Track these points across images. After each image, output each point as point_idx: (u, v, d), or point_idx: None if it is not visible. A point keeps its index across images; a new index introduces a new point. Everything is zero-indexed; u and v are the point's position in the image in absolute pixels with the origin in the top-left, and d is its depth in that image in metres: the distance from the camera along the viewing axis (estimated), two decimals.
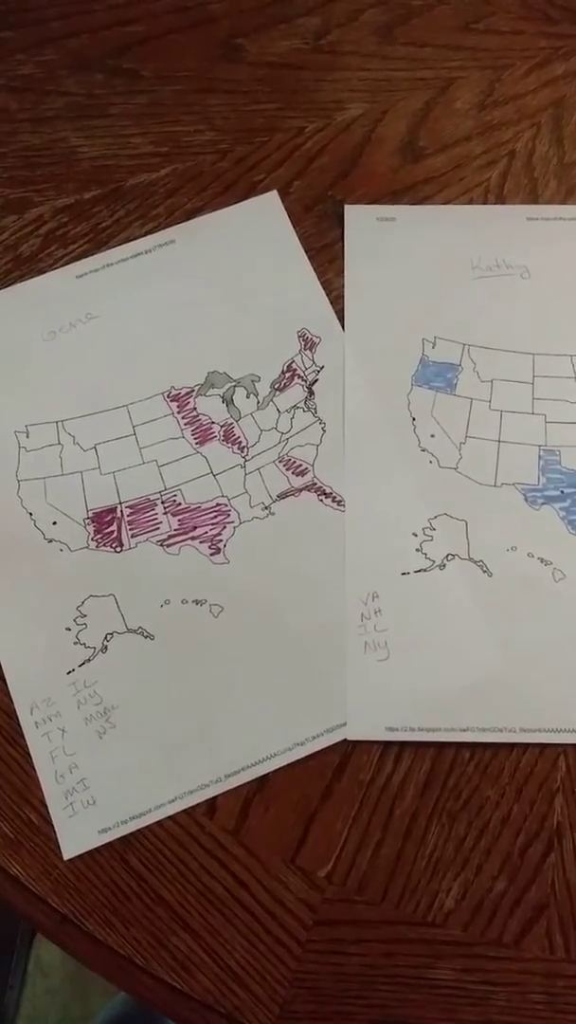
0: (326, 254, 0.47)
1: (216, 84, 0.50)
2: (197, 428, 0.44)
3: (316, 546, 0.42)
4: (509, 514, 0.42)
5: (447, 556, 0.41)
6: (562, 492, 0.42)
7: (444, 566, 0.41)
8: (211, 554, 0.42)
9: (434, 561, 0.41)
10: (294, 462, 0.43)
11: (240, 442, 0.44)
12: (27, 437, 0.44)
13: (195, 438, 0.44)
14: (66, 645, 0.40)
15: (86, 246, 0.47)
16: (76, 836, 0.38)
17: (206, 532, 0.42)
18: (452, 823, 0.38)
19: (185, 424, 0.44)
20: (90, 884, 0.38)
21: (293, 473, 0.43)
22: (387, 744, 0.39)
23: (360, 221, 0.47)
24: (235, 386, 0.44)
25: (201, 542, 0.42)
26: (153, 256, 0.47)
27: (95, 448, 0.43)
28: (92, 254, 0.47)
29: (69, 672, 0.40)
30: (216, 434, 0.44)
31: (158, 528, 0.42)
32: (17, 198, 0.48)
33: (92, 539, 0.42)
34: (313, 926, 0.37)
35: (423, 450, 0.43)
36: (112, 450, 0.43)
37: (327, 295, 0.46)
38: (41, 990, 0.86)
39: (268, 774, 0.39)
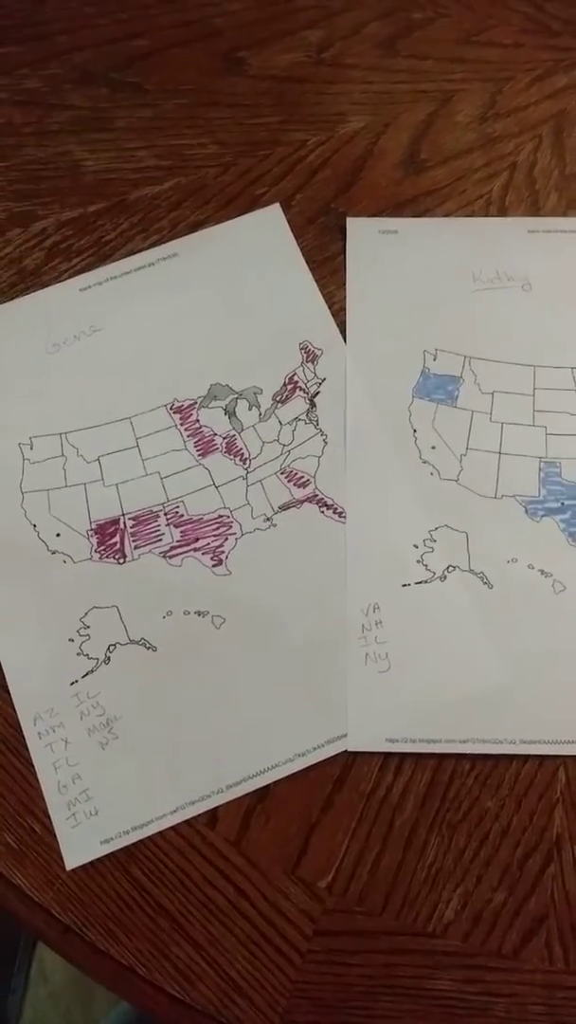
0: (328, 266, 0.47)
1: (219, 97, 0.51)
2: (199, 440, 0.44)
3: (317, 557, 0.42)
4: (510, 526, 0.42)
5: (448, 568, 0.42)
6: (563, 504, 0.42)
7: (445, 578, 0.42)
8: (213, 565, 0.42)
9: (435, 573, 0.42)
10: (296, 474, 0.43)
11: (242, 454, 0.44)
12: (31, 449, 0.44)
13: (197, 450, 0.44)
14: (69, 656, 0.41)
15: (90, 259, 0.48)
16: (78, 846, 0.39)
17: (208, 543, 0.42)
18: (452, 834, 0.39)
19: (188, 436, 0.44)
20: (92, 894, 0.38)
21: (295, 485, 0.43)
22: (387, 755, 0.40)
23: (362, 234, 0.47)
24: (237, 398, 0.45)
25: (203, 553, 0.42)
26: (156, 269, 0.47)
27: (98, 460, 0.44)
28: (96, 267, 0.47)
29: (72, 683, 0.40)
30: (218, 446, 0.44)
31: (160, 540, 0.42)
32: (21, 211, 0.49)
33: (95, 551, 0.42)
34: (313, 936, 0.38)
35: (424, 462, 0.43)
36: (115, 462, 0.44)
37: (329, 307, 0.46)
38: (43, 995, 0.86)
39: (269, 785, 0.39)
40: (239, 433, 0.44)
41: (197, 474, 0.43)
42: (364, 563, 0.42)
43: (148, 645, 0.41)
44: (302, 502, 0.43)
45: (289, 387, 0.45)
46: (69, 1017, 0.84)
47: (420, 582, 0.42)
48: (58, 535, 0.43)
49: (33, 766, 0.40)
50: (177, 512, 0.43)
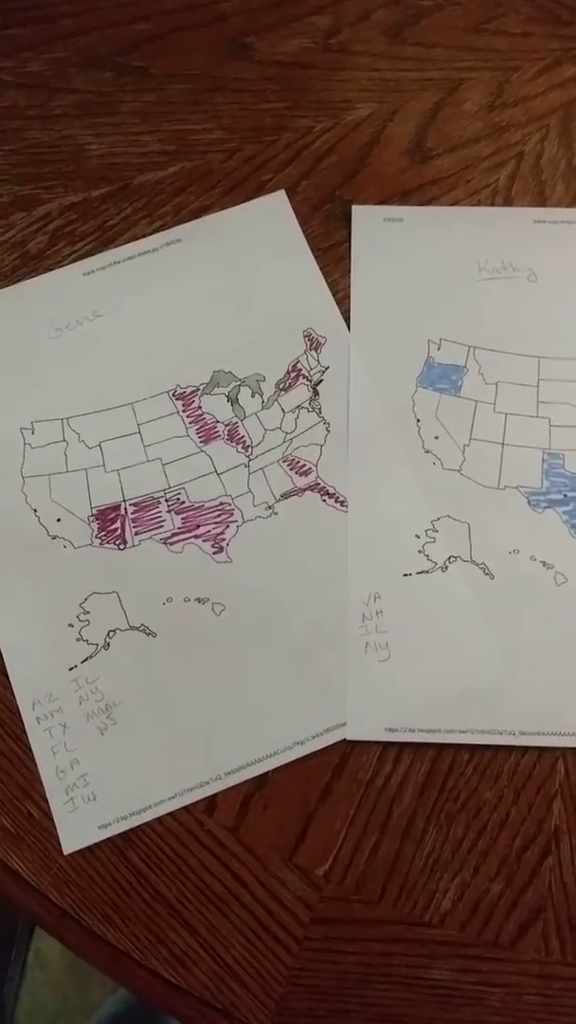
0: (333, 254, 0.47)
1: (225, 83, 0.50)
2: (202, 427, 0.44)
3: (318, 546, 0.42)
4: (512, 517, 0.42)
5: (449, 558, 0.42)
6: (565, 496, 0.42)
7: (446, 568, 0.41)
8: (214, 553, 0.42)
9: (436, 563, 0.42)
10: (298, 462, 0.43)
11: (244, 441, 0.44)
12: (32, 434, 0.44)
13: (199, 437, 0.44)
14: (69, 641, 0.41)
15: (93, 244, 0.47)
16: (76, 831, 0.39)
17: (209, 531, 0.42)
18: (450, 824, 0.39)
19: (190, 423, 0.44)
20: (89, 879, 0.38)
21: (297, 473, 0.43)
22: (386, 744, 0.40)
23: (367, 221, 0.47)
24: (240, 385, 0.44)
25: (204, 541, 0.42)
26: (160, 254, 0.47)
27: (100, 446, 0.43)
28: (99, 252, 0.47)
29: (71, 668, 0.40)
30: (220, 433, 0.44)
31: (161, 526, 0.42)
32: (25, 195, 0.49)
33: (96, 536, 0.42)
34: (310, 924, 0.38)
35: (427, 452, 0.43)
36: (117, 448, 0.43)
37: (333, 295, 0.46)
38: (40, 982, 0.86)
39: (267, 772, 0.39)
40: (241, 420, 0.44)
41: (199, 461, 0.43)
42: (365, 552, 0.42)
43: (148, 631, 0.41)
44: (304, 490, 0.43)
45: (292, 375, 0.45)
46: (66, 1004, 0.84)
47: (421, 572, 0.41)
48: (59, 520, 0.42)
49: (31, 751, 0.40)
50: (178, 499, 0.43)
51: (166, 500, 0.43)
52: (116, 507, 0.43)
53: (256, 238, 0.47)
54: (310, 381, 0.45)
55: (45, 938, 0.87)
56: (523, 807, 0.39)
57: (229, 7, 0.52)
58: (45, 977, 0.86)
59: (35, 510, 0.43)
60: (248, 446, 0.44)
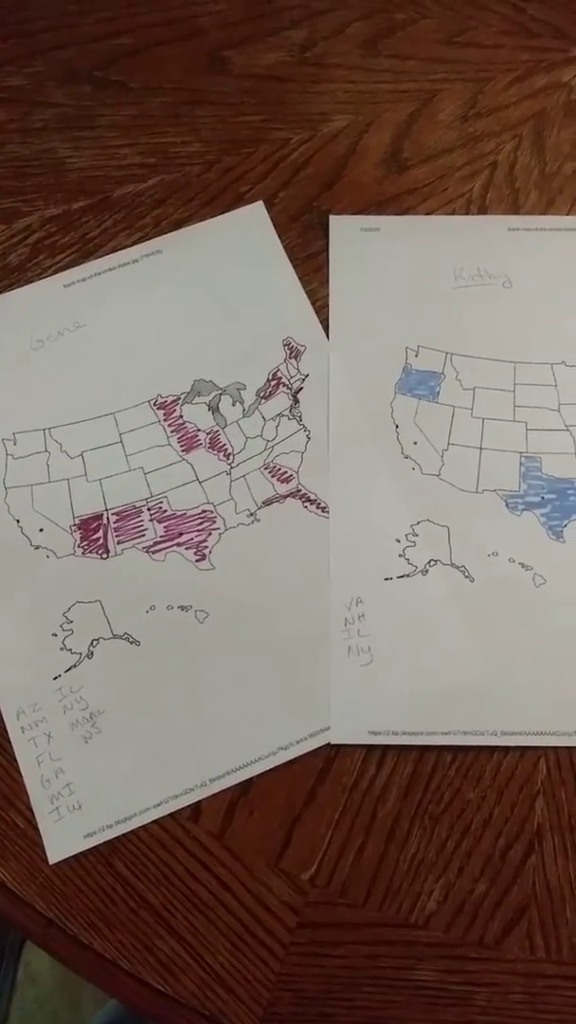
0: (311, 264, 0.47)
1: (203, 96, 0.51)
2: (183, 436, 0.44)
3: (300, 552, 0.42)
4: (491, 520, 0.43)
5: (429, 562, 0.42)
6: (543, 498, 0.43)
7: (427, 571, 0.42)
8: (196, 560, 0.42)
9: (417, 567, 0.42)
10: (279, 469, 0.44)
11: (225, 449, 0.44)
12: (14, 444, 0.44)
13: (181, 445, 0.44)
14: (52, 651, 0.41)
15: (74, 256, 0.48)
16: (62, 840, 0.39)
17: (192, 539, 0.43)
18: (434, 825, 0.39)
19: (171, 432, 0.44)
20: (76, 888, 0.38)
21: (278, 480, 0.44)
22: (370, 748, 0.40)
23: (345, 231, 0.48)
24: (221, 394, 0.45)
25: (187, 548, 0.42)
26: (140, 266, 0.47)
27: (82, 455, 0.44)
28: (80, 264, 0.47)
29: (55, 678, 0.40)
30: (202, 441, 0.44)
31: (144, 535, 0.43)
32: (5, 208, 0.49)
33: (78, 546, 0.42)
34: (296, 928, 0.38)
35: (406, 457, 0.44)
36: (99, 457, 0.44)
37: (312, 304, 0.46)
38: (31, 998, 0.85)
39: (252, 778, 0.39)
40: (222, 429, 0.44)
41: (180, 469, 0.44)
42: (347, 557, 0.42)
43: (131, 639, 0.41)
44: (285, 497, 0.43)
45: (272, 383, 0.45)
46: (57, 1020, 0.84)
47: (402, 576, 0.42)
48: (41, 530, 0.43)
49: (16, 760, 0.40)
50: (160, 507, 0.43)
51: (148, 509, 0.43)
52: (98, 516, 0.43)
53: (235, 249, 0.47)
54: (290, 389, 0.45)
55: (35, 953, 0.86)
56: (506, 807, 0.39)
57: (206, 21, 0.53)
58: (35, 993, 0.85)
59: (18, 520, 0.43)
60: (229, 454, 0.44)
